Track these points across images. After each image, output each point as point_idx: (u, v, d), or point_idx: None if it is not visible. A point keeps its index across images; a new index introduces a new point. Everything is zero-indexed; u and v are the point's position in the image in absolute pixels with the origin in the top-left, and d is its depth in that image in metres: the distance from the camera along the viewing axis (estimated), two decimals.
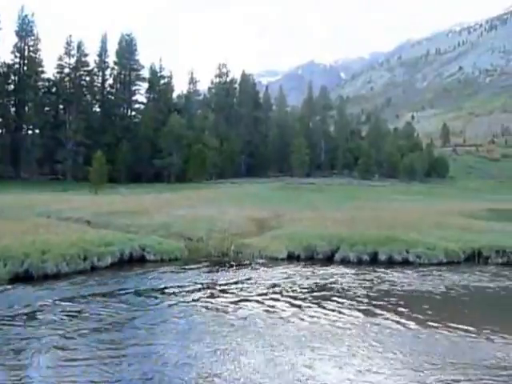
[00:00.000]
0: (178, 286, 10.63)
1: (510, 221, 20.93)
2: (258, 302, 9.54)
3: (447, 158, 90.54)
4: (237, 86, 77.72)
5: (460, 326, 7.98)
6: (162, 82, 71.44)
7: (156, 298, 9.66)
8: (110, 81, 70.45)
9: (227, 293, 10.28)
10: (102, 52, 68.34)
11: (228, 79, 77.31)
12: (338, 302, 9.62)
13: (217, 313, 8.64)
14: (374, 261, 14.17)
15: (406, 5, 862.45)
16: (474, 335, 7.58)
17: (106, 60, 69.08)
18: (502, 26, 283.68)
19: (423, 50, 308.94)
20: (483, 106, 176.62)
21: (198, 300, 9.52)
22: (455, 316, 8.79)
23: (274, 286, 10.99)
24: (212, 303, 9.30)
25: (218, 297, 9.92)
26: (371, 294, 10.42)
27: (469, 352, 6.81)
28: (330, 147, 78.67)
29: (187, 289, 10.45)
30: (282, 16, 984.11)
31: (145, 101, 71.65)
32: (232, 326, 7.77)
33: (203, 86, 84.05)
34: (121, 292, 9.98)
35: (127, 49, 68.98)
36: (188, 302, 9.32)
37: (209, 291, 10.38)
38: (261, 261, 14.08)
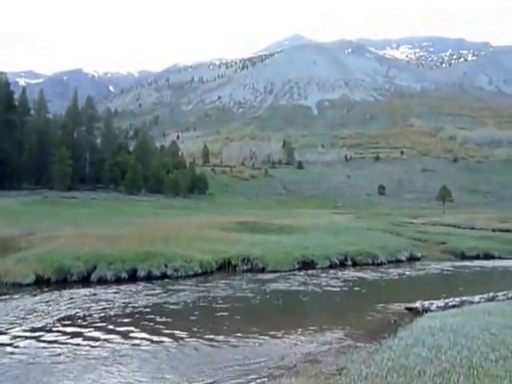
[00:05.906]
0: None
1: (254, 232, 24.31)
2: None
3: (207, 176, 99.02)
4: None
5: (208, 336, 8.52)
6: None
7: None
8: None
9: None
10: None
11: None
12: (85, 327, 9.04)
13: None
14: (133, 278, 13.97)
15: (173, 32, 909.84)
16: (220, 343, 8.19)
17: None
18: (252, 66, 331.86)
19: (189, 76, 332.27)
20: (237, 132, 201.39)
21: None
22: (204, 326, 9.30)
23: (14, 320, 9.49)
24: None
25: None
26: (125, 314, 10.17)
27: (216, 359, 7.35)
28: (96, 160, 74.99)
29: None
30: (48, 16, 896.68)
31: None
32: None
33: None
34: None
35: None
36: None
37: None
38: None
